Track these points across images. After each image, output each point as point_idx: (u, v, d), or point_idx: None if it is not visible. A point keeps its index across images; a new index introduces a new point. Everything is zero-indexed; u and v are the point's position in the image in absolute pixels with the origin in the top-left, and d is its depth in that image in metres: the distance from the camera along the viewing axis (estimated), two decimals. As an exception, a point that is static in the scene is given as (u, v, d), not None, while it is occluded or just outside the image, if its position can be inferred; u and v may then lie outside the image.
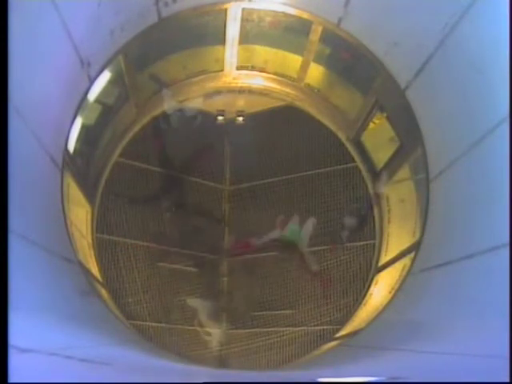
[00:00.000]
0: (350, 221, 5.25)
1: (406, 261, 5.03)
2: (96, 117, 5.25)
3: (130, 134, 6.05)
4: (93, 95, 4.85)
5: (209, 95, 5.66)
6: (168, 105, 5.14)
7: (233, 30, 5.52)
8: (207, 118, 5.98)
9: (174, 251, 5.98)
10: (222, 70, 6.14)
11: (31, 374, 2.08)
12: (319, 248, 6.09)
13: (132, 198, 5.73)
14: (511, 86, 3.06)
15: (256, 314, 5.97)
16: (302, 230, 4.92)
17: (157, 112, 5.78)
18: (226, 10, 5.21)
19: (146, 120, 5.91)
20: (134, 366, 3.47)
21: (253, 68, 6.22)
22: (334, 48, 5.45)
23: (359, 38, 4.95)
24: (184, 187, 5.04)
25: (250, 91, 6.41)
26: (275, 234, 4.97)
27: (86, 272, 4.87)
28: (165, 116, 5.04)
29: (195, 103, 5.32)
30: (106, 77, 4.92)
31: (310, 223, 5.17)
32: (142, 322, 5.82)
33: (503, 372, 2.09)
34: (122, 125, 5.89)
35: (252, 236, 5.01)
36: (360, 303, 5.91)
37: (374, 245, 6.07)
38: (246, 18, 5.36)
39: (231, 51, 5.86)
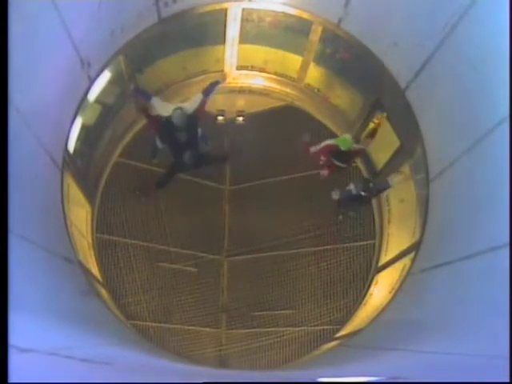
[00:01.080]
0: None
1: (405, 261, 5.03)
2: (96, 117, 5.25)
3: (130, 134, 6.07)
4: (93, 95, 4.84)
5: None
6: (162, 110, 5.17)
7: (233, 30, 5.52)
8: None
9: (174, 251, 6.00)
10: (222, 70, 6.15)
11: (31, 374, 2.08)
12: (319, 248, 6.11)
13: (143, 188, 5.85)
14: (511, 85, 3.06)
15: (256, 313, 5.98)
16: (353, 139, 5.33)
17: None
18: (226, 9, 5.21)
19: (145, 120, 5.92)
20: (134, 366, 3.47)
21: (253, 68, 6.23)
22: (334, 48, 5.45)
23: (359, 38, 4.94)
24: (197, 146, 5.27)
25: (250, 91, 6.42)
26: (329, 140, 5.33)
27: (86, 272, 4.86)
28: (166, 118, 5.09)
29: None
30: (106, 77, 4.91)
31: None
32: (142, 322, 5.82)
33: (503, 372, 2.09)
34: (121, 125, 5.90)
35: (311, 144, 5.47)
36: (360, 303, 5.92)
37: (373, 245, 6.08)
38: (246, 18, 5.36)
39: (231, 51, 5.86)
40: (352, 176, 6.13)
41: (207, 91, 5.31)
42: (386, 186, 5.44)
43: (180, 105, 5.11)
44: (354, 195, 5.35)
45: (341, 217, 5.98)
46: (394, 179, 5.36)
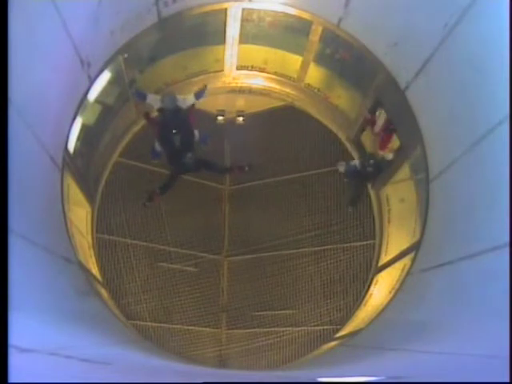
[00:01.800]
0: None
1: (405, 261, 5.03)
2: (96, 117, 5.25)
3: (130, 134, 6.07)
4: (93, 95, 4.85)
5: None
6: (157, 102, 5.22)
7: (233, 30, 5.52)
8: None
9: (174, 251, 6.00)
10: (221, 70, 6.14)
11: (31, 374, 2.08)
12: (319, 248, 6.11)
13: (149, 195, 5.86)
14: (511, 85, 3.06)
15: (256, 313, 5.98)
16: None
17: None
18: (226, 9, 5.21)
19: (147, 122, 5.91)
20: (134, 366, 3.47)
21: (253, 68, 6.23)
22: (334, 48, 5.45)
23: (359, 37, 4.95)
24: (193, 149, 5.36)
25: (250, 91, 6.42)
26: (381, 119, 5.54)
27: (86, 272, 4.86)
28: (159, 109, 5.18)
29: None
30: (106, 77, 4.91)
31: None
32: (142, 322, 5.82)
33: (503, 372, 2.09)
34: (122, 125, 5.91)
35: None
36: (360, 303, 5.91)
37: (373, 245, 6.08)
38: (246, 18, 5.36)
39: (231, 51, 5.86)
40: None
41: (198, 95, 5.33)
42: (384, 162, 5.57)
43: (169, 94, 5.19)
44: (358, 171, 5.63)
45: (350, 209, 6.12)
46: (389, 155, 5.52)
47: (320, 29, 5.21)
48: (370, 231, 6.04)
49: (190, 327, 5.87)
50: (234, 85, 6.30)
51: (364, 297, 5.87)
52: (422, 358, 3.24)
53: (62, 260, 4.15)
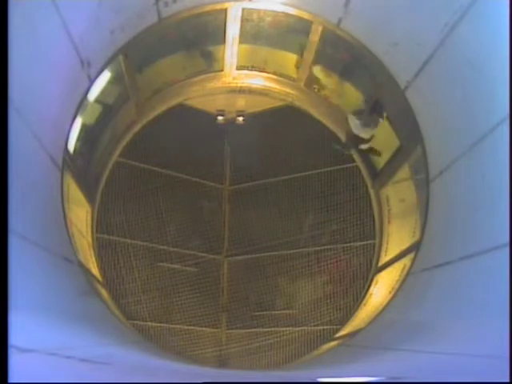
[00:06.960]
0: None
1: (405, 261, 5.03)
2: (96, 117, 5.25)
3: (130, 134, 6.06)
4: (93, 95, 4.85)
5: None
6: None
7: (233, 30, 5.52)
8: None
9: (174, 251, 6.00)
10: (221, 70, 6.14)
11: (31, 374, 2.08)
12: (319, 248, 6.11)
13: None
14: (511, 85, 3.06)
15: (256, 313, 5.98)
16: None
17: (157, 112, 5.81)
18: (226, 9, 5.21)
19: (146, 120, 5.92)
20: (134, 366, 3.47)
21: (253, 68, 6.22)
22: (334, 48, 5.45)
23: (359, 38, 4.94)
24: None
25: (250, 91, 6.41)
26: None
27: (86, 272, 4.87)
28: None
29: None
30: (106, 77, 4.92)
31: None
32: (142, 322, 5.81)
33: (503, 372, 2.09)
34: (122, 125, 5.90)
35: None
36: (360, 303, 5.91)
37: (373, 245, 6.07)
38: (246, 18, 5.36)
39: (231, 51, 5.85)
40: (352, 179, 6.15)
41: None
42: None
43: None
44: None
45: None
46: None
47: (320, 29, 5.20)
48: (370, 231, 6.02)
49: (190, 327, 5.87)
50: (233, 85, 6.28)
51: (364, 297, 5.87)
52: (422, 358, 3.24)
53: (62, 260, 4.15)
